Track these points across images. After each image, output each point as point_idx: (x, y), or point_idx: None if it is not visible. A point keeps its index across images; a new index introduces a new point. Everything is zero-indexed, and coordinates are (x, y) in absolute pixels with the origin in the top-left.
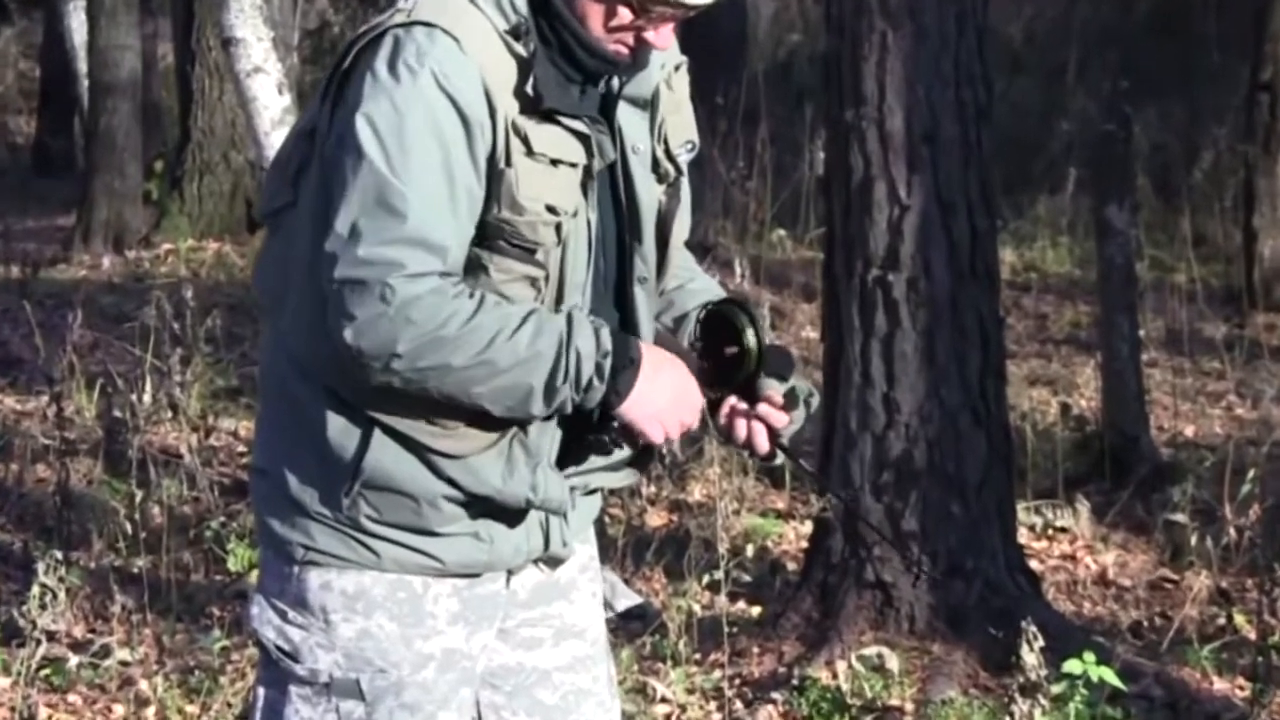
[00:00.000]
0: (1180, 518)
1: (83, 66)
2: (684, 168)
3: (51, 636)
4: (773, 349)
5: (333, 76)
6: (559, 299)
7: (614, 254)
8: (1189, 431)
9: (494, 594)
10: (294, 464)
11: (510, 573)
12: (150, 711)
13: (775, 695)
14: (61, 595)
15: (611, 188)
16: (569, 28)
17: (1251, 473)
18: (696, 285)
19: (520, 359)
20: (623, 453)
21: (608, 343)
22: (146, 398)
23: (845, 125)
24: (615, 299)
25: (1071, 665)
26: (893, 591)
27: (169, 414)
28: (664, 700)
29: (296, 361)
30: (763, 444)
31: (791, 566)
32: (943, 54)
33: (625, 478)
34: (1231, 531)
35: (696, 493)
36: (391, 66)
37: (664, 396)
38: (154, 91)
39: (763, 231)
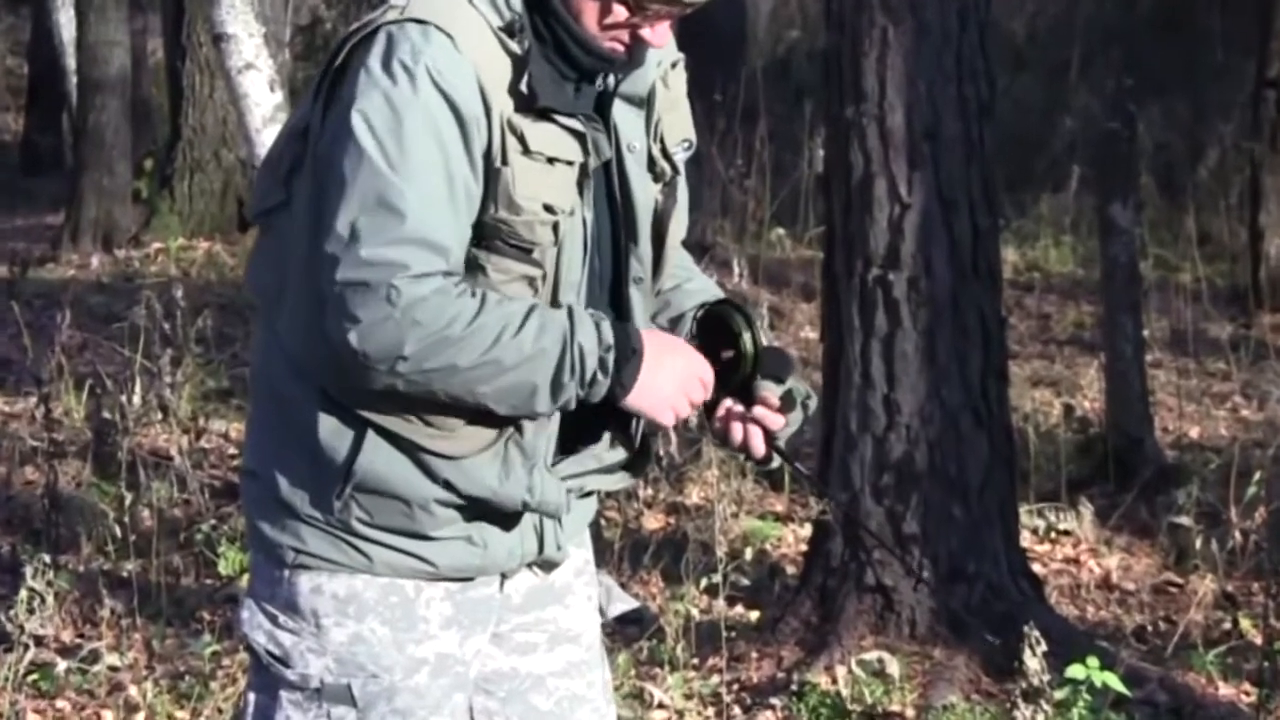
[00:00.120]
0: (1185, 521)
1: (71, 63)
2: (681, 166)
3: (40, 641)
4: (769, 351)
5: (325, 74)
6: (554, 299)
7: (609, 254)
8: (1194, 433)
9: (488, 598)
10: (285, 466)
11: (504, 576)
12: (140, 717)
13: (774, 701)
14: (50, 599)
15: (607, 187)
16: (564, 24)
17: (1257, 475)
18: (694, 285)
19: (526, 356)
20: (618, 454)
21: (610, 336)
22: (136, 399)
23: (845, 122)
24: (610, 299)
25: (1075, 670)
26: (893, 595)
27: (159, 415)
28: (661, 706)
29: (292, 362)
30: (759, 447)
31: (790, 570)
32: (944, 50)
33: (621, 480)
34: (1237, 535)
35: (694, 495)
36: (386, 64)
37: (670, 382)
38: (143, 88)
39: (761, 230)
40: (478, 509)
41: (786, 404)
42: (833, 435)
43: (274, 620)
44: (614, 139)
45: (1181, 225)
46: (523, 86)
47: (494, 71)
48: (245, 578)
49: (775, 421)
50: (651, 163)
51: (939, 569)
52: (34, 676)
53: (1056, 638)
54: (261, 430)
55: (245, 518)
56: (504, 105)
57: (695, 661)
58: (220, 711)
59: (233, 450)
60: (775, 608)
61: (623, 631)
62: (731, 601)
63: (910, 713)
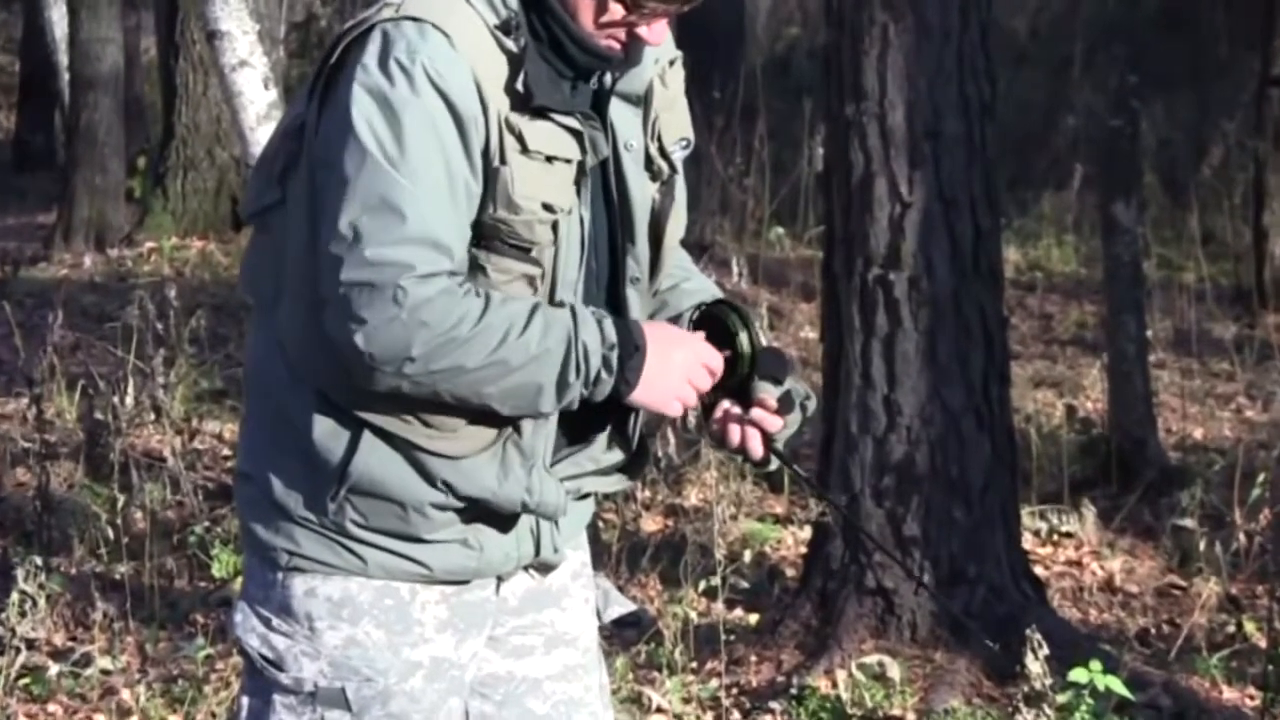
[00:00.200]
0: (1189, 523)
1: (64, 60)
2: (678, 165)
3: (31, 645)
4: (767, 351)
5: (320, 72)
6: (551, 299)
7: (606, 254)
8: (1198, 434)
9: (483, 601)
10: (279, 468)
11: (500, 579)
12: None
13: (773, 705)
14: (41, 602)
15: (603, 186)
16: (560, 22)
17: (1262, 477)
18: (691, 285)
19: (532, 356)
20: (615, 456)
21: (612, 334)
22: (129, 400)
23: (845, 121)
24: (607, 299)
25: (1077, 674)
26: (894, 598)
27: (152, 416)
28: (659, 710)
29: (289, 364)
30: (756, 449)
31: (790, 573)
32: (945, 47)
33: (617, 482)
34: (1241, 537)
35: (693, 497)
36: (383, 64)
37: (676, 373)
38: (136, 86)
39: (761, 230)
40: (475, 511)
41: (784, 405)
42: (833, 436)
43: (268, 623)
44: (611, 138)
45: (1185, 224)
46: (518, 85)
47: (490, 70)
48: (239, 580)
49: (773, 423)
50: (649, 161)
51: (940, 572)
52: (25, 680)
53: (1059, 641)
54: (255, 432)
55: (239, 520)
56: (501, 104)
57: (694, 665)
58: (214, 716)
59: (226, 452)
60: (774, 611)
61: (620, 635)
62: (730, 604)
63: (911, 717)
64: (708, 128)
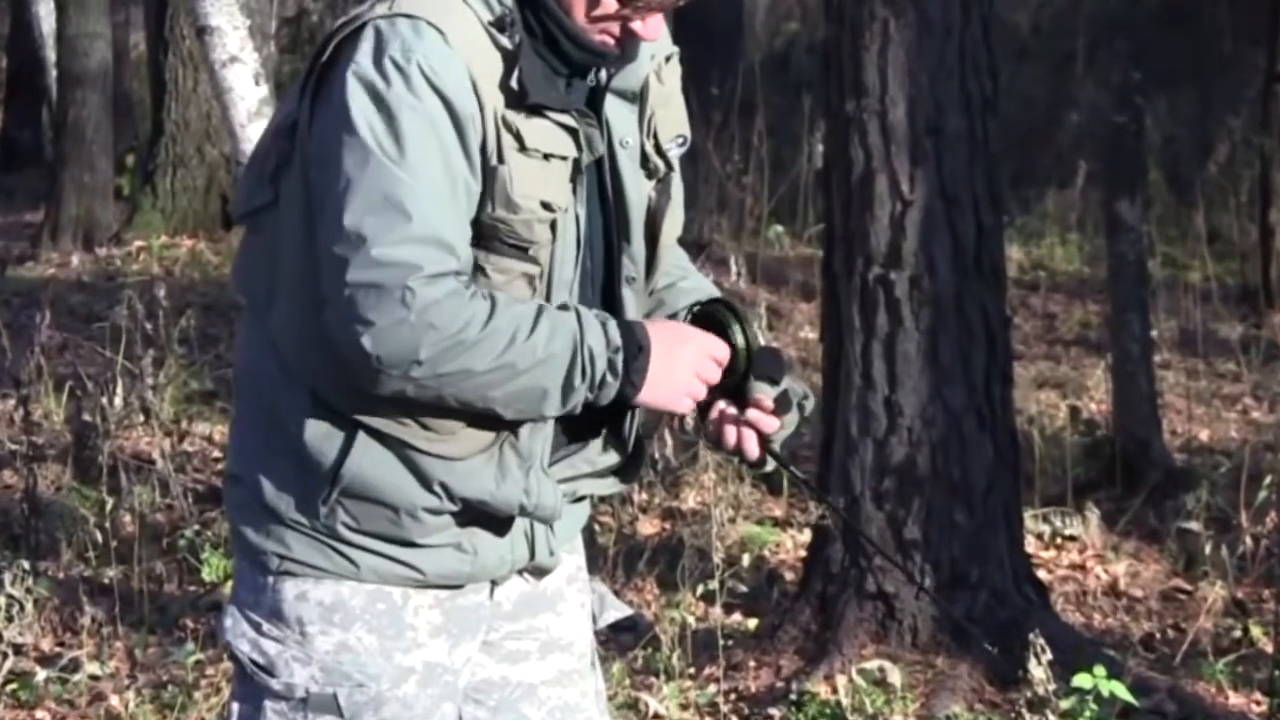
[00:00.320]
0: (1194, 526)
1: (51, 55)
2: (675, 163)
3: (18, 650)
4: (763, 351)
5: (312, 69)
6: (546, 299)
7: (601, 253)
8: (1203, 436)
9: (477, 605)
10: (270, 470)
11: (494, 583)
12: None
13: (773, 711)
14: (29, 607)
15: (599, 184)
16: (554, 18)
17: (1268, 479)
18: (688, 284)
19: (538, 359)
20: (611, 458)
21: (617, 337)
22: (117, 401)
23: (845, 117)
24: (603, 299)
25: (1081, 679)
26: (895, 603)
27: (141, 418)
28: (656, 716)
29: (282, 365)
30: (752, 450)
31: (789, 576)
32: (947, 43)
33: (613, 485)
34: (1247, 540)
35: (690, 500)
36: (378, 62)
37: (681, 370)
38: (125, 82)
39: (759, 228)
40: (470, 514)
41: (781, 406)
42: (832, 438)
43: (258, 628)
44: (607, 135)
45: (1190, 222)
46: (513, 83)
47: (485, 67)
48: (229, 585)
49: (769, 424)
50: (645, 159)
51: (941, 575)
52: (13, 686)
53: (1062, 646)
54: (246, 433)
55: (229, 523)
56: (496, 102)
57: (691, 670)
58: None
59: (216, 454)
60: (773, 615)
61: (617, 639)
62: (728, 609)
63: None
64: (705, 124)
